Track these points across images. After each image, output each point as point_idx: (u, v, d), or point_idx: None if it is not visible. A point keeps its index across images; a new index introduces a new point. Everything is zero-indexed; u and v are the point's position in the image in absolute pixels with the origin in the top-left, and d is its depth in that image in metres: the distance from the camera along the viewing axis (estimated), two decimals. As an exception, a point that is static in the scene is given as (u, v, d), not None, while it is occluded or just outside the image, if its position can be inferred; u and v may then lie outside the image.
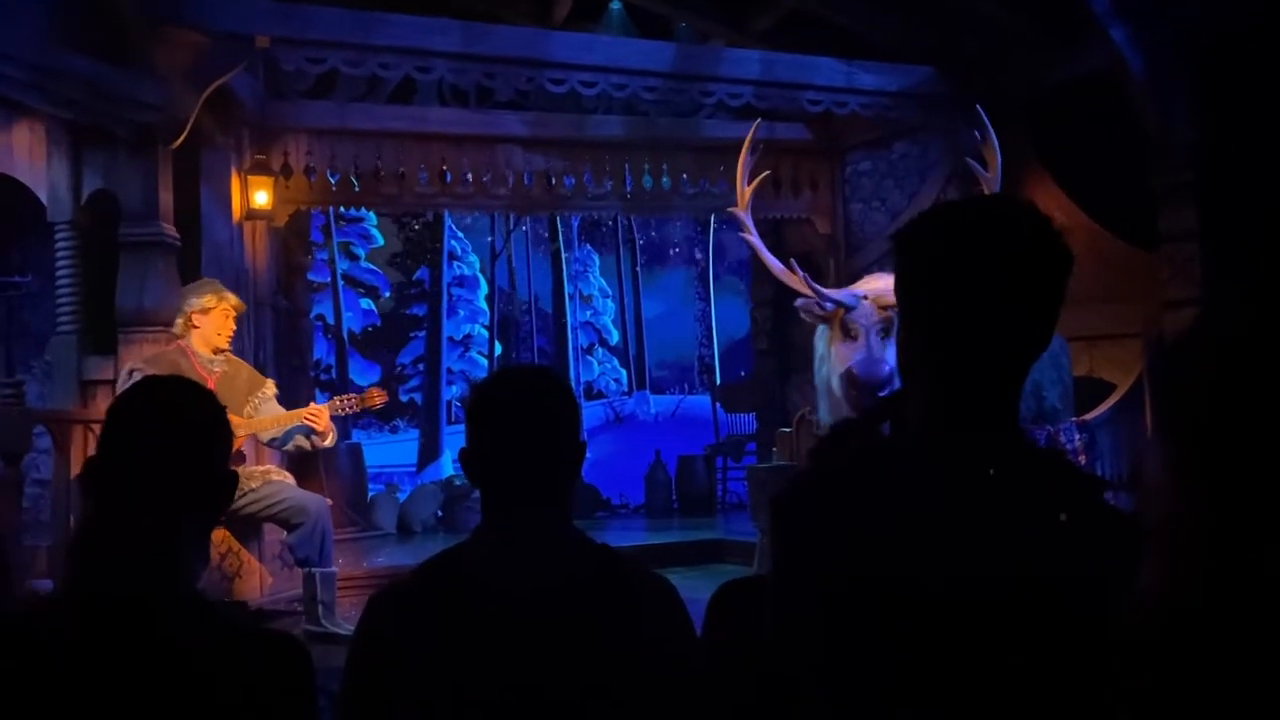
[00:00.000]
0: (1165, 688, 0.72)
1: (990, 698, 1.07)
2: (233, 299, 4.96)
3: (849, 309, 4.69)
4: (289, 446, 4.97)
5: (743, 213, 5.26)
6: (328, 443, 4.97)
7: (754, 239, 5.21)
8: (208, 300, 4.88)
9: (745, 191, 5.30)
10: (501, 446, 1.55)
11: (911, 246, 1.23)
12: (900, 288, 1.25)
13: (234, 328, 4.97)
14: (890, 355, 4.56)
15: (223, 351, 4.91)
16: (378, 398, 5.14)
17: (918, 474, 1.16)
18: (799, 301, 4.91)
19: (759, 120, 5.74)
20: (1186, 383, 0.74)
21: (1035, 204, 1.20)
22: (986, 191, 5.10)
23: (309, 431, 4.84)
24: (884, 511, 1.13)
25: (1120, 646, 0.79)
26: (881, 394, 4.49)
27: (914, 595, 1.08)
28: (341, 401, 5.00)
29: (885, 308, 4.65)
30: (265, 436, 4.94)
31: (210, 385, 4.71)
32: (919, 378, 1.24)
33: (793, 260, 5.03)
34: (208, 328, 4.86)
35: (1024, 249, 1.16)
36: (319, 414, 4.82)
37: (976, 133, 5.29)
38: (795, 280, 4.91)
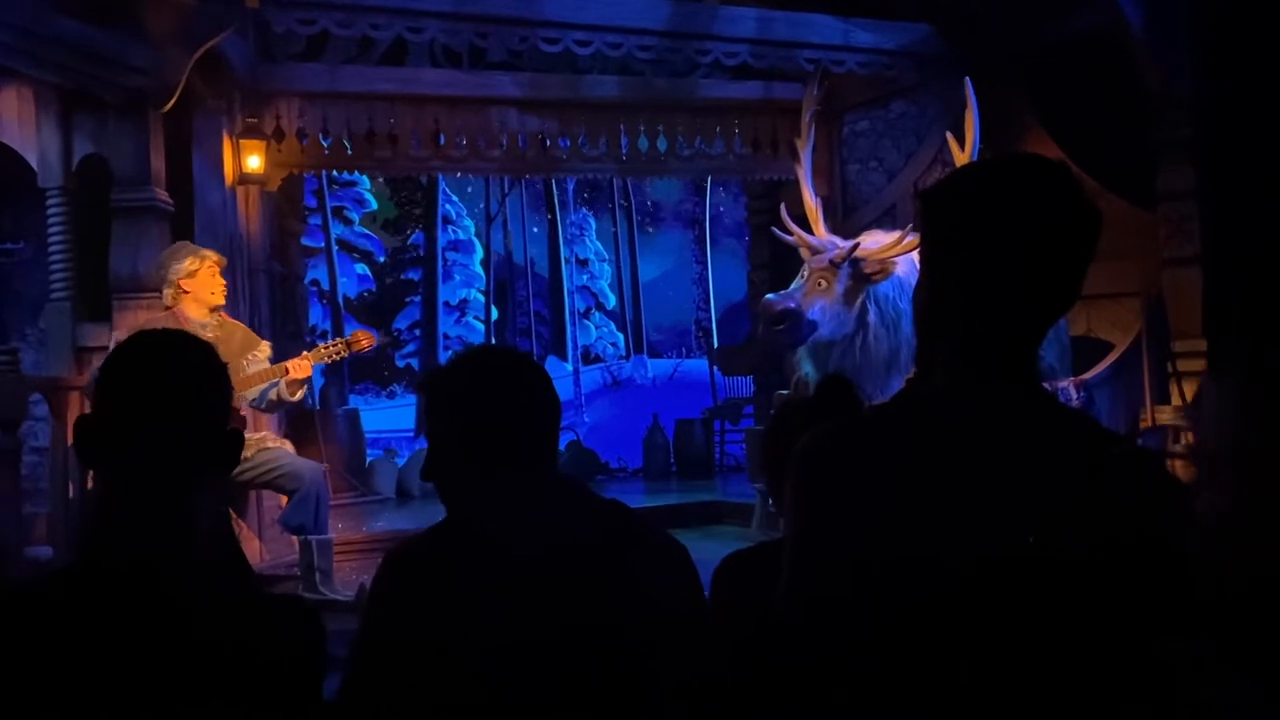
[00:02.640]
0: (1232, 605, 0.72)
1: (1020, 649, 1.07)
2: (212, 255, 4.85)
3: (814, 252, 4.85)
4: (263, 405, 4.84)
5: (802, 149, 5.61)
6: (295, 397, 4.80)
7: (806, 166, 5.42)
8: (189, 263, 4.78)
9: (806, 124, 5.70)
10: (506, 420, 1.56)
11: (943, 201, 1.24)
12: (927, 239, 1.25)
13: (224, 282, 4.88)
14: (807, 300, 4.68)
15: (216, 311, 4.83)
16: (364, 340, 4.92)
17: (942, 426, 1.16)
18: (787, 240, 5.14)
19: (814, 79, 5.86)
20: (1253, 317, 0.73)
21: (1068, 164, 1.20)
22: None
23: (273, 386, 4.72)
24: (909, 463, 1.13)
25: (1175, 581, 0.79)
26: (775, 327, 4.61)
27: (944, 544, 1.08)
28: (327, 349, 4.84)
29: (836, 263, 4.76)
30: (248, 397, 4.82)
31: None
32: (940, 329, 1.24)
33: (819, 198, 5.23)
34: (199, 290, 4.78)
35: (1056, 209, 1.17)
36: (301, 364, 4.71)
37: (971, 94, 5.28)
38: (813, 214, 5.10)
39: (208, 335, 4.76)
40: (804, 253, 5.02)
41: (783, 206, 5.30)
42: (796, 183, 8.25)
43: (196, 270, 4.78)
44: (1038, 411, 1.19)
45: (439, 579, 1.47)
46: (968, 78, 5.37)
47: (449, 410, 1.59)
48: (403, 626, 1.47)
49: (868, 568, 1.11)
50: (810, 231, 5.11)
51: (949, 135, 5.35)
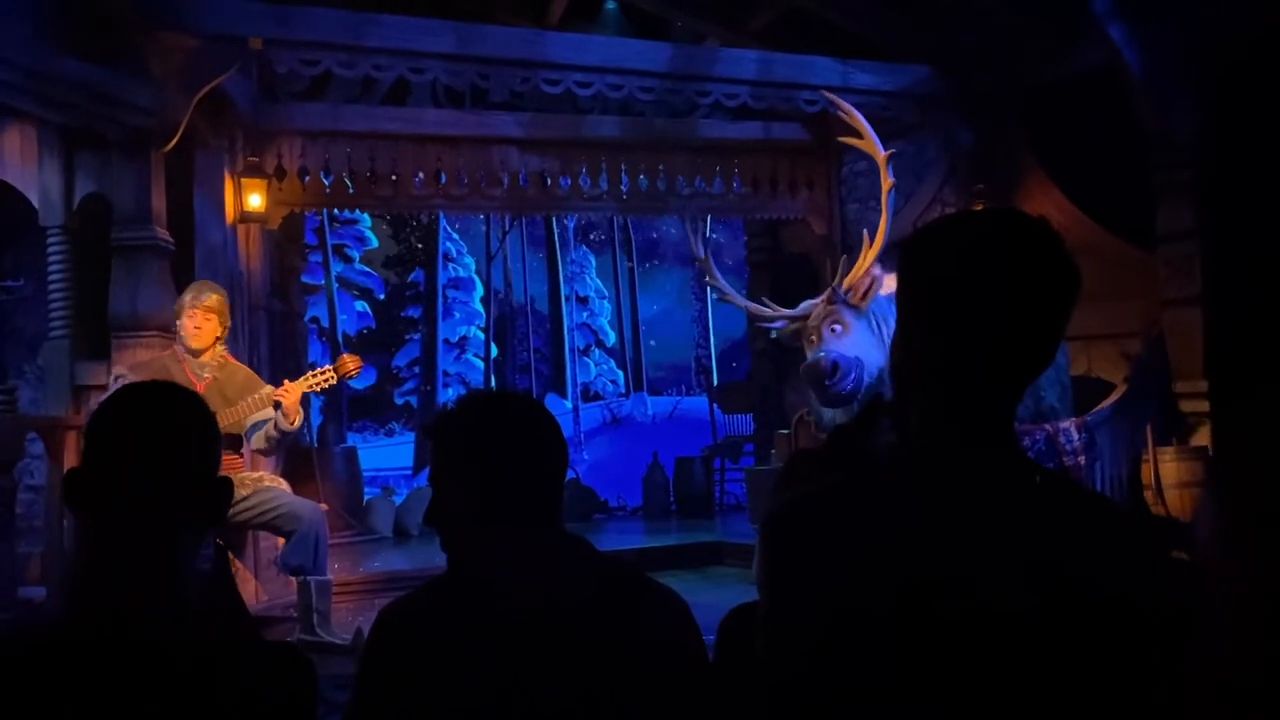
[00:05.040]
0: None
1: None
2: (206, 299, 4.77)
3: (805, 318, 4.86)
4: (264, 445, 4.74)
5: (713, 280, 5.64)
6: (294, 425, 4.68)
7: (726, 289, 5.58)
8: (180, 301, 4.80)
9: (706, 259, 5.67)
10: (515, 467, 1.52)
11: (918, 254, 1.21)
12: (902, 294, 1.22)
13: (210, 328, 4.76)
14: (835, 346, 4.65)
15: (203, 352, 4.74)
16: (350, 364, 4.84)
17: (913, 493, 1.12)
18: (773, 333, 5.13)
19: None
20: (1251, 463, 0.69)
21: (1047, 219, 1.17)
22: (878, 162, 5.29)
23: (268, 420, 4.63)
24: (878, 533, 1.09)
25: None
26: (829, 382, 4.54)
27: (913, 619, 1.05)
28: (316, 376, 4.76)
29: (829, 301, 4.77)
30: (244, 431, 4.73)
31: (199, 390, 4.64)
32: (914, 387, 1.20)
33: (763, 299, 5.28)
34: (184, 329, 4.75)
35: (1034, 265, 1.13)
36: (287, 390, 4.61)
37: (839, 112, 5.46)
38: (762, 310, 5.17)
39: (205, 377, 4.71)
40: (785, 333, 5.07)
41: (757, 306, 5.32)
42: (795, 222, 8.33)
43: (182, 309, 4.78)
44: (1014, 477, 1.15)
45: (436, 643, 1.43)
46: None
47: (455, 459, 1.55)
48: (399, 694, 1.43)
49: (836, 640, 1.07)
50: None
51: (842, 142, 5.57)
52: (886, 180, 5.27)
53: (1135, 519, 1.19)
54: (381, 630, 1.51)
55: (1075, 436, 5.50)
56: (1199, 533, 0.71)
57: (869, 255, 4.92)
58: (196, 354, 4.75)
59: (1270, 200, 5.51)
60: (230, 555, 4.97)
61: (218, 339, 4.81)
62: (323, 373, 4.80)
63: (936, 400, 1.16)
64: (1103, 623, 1.04)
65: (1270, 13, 5.47)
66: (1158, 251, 6.34)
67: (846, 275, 4.86)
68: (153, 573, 1.29)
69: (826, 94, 5.51)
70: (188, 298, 4.81)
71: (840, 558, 1.09)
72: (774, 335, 5.16)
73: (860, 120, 5.33)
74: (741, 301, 5.46)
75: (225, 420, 4.63)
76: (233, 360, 4.94)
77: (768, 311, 5.13)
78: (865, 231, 5.20)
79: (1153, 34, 6.08)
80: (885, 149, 8.00)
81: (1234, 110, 5.90)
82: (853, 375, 4.59)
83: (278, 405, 4.62)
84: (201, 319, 4.75)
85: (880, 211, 8.02)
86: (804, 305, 5.00)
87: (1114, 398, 6.18)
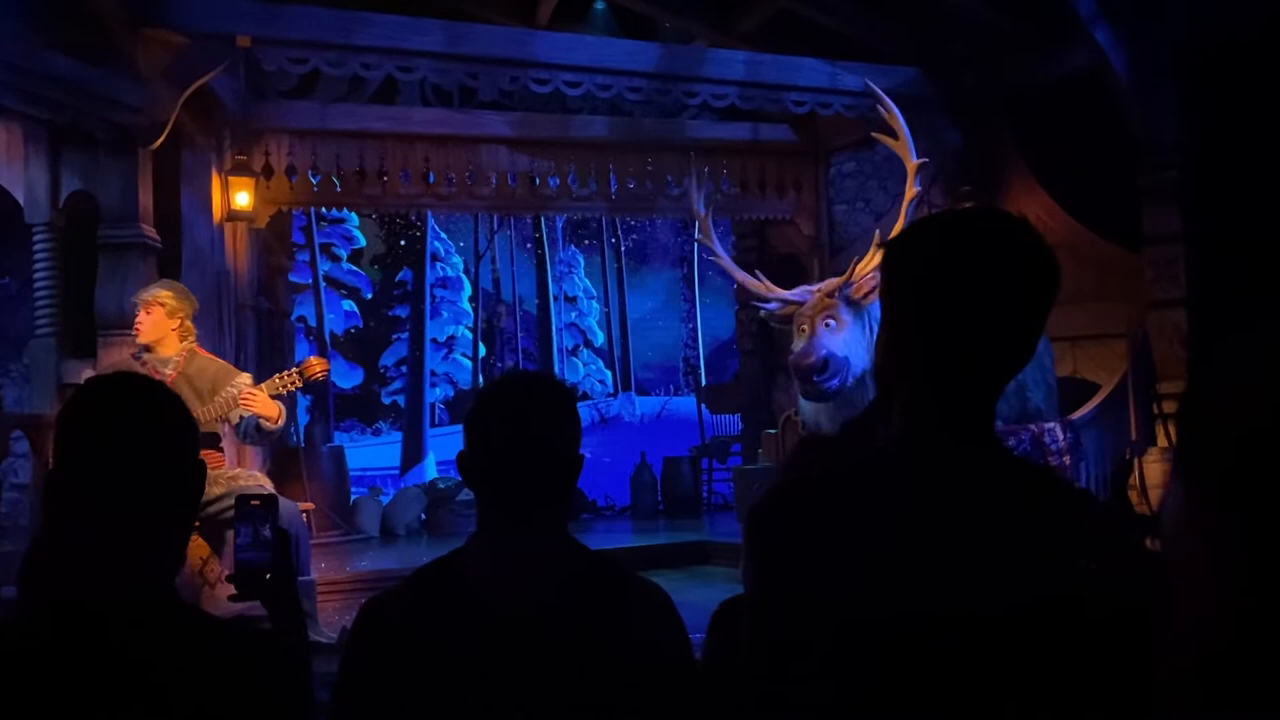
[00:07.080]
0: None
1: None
2: (152, 293, 4.64)
3: (800, 305, 4.80)
4: (246, 437, 4.68)
5: (708, 241, 5.54)
6: (278, 424, 4.62)
7: (721, 254, 5.43)
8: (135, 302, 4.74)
9: (704, 216, 5.57)
10: (503, 456, 1.51)
11: (901, 253, 1.23)
12: (886, 293, 1.24)
13: (154, 322, 4.62)
14: (828, 342, 4.61)
15: (158, 347, 4.63)
16: (317, 366, 4.71)
17: (895, 487, 1.14)
18: (762, 311, 5.03)
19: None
20: (1215, 423, 0.70)
21: (1027, 217, 1.19)
22: (893, 148, 5.28)
23: (256, 421, 4.57)
24: (860, 525, 1.11)
25: (1148, 687, 0.76)
26: (818, 378, 4.52)
27: (890, 612, 1.06)
28: (281, 379, 4.64)
29: (830, 294, 4.72)
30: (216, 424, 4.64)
31: None
32: (897, 385, 1.22)
33: (756, 271, 5.15)
34: (134, 327, 4.67)
35: (1014, 262, 1.15)
36: (252, 396, 4.51)
37: (880, 108, 5.42)
38: (757, 285, 5.05)
39: (167, 372, 4.56)
40: (775, 315, 4.99)
41: (749, 278, 5.19)
42: (782, 223, 8.35)
43: (135, 308, 4.70)
44: (995, 470, 1.16)
45: (420, 639, 1.43)
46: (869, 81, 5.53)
47: (474, 442, 1.54)
48: (382, 690, 1.43)
49: (817, 631, 1.08)
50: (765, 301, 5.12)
51: (877, 135, 5.47)
52: (911, 189, 5.21)
53: (1119, 514, 1.20)
54: (364, 624, 1.50)
55: (1061, 436, 5.52)
56: (1167, 519, 0.72)
57: (879, 254, 4.87)
58: (149, 350, 4.65)
59: (1256, 202, 5.56)
60: (210, 553, 4.91)
61: (174, 332, 4.66)
62: (288, 375, 4.68)
63: (918, 396, 1.18)
64: (1088, 618, 1.05)
65: (1255, 16, 5.51)
66: (1143, 253, 6.38)
67: (854, 271, 4.80)
68: (126, 563, 1.28)
69: (871, 85, 5.44)
70: (137, 295, 4.73)
71: (821, 549, 1.10)
72: (763, 314, 5.08)
73: (899, 121, 5.26)
74: (737, 272, 5.32)
75: (200, 417, 4.56)
76: (204, 353, 4.82)
77: (763, 290, 5.03)
78: (878, 230, 5.18)
79: (1138, 37, 6.12)
80: (878, 152, 8.07)
81: (1219, 113, 5.95)
82: (840, 375, 4.59)
83: (257, 419, 4.54)
84: (142, 314, 4.63)
85: (867, 212, 8.08)
86: (799, 290, 4.94)
87: (1099, 398, 6.22)
